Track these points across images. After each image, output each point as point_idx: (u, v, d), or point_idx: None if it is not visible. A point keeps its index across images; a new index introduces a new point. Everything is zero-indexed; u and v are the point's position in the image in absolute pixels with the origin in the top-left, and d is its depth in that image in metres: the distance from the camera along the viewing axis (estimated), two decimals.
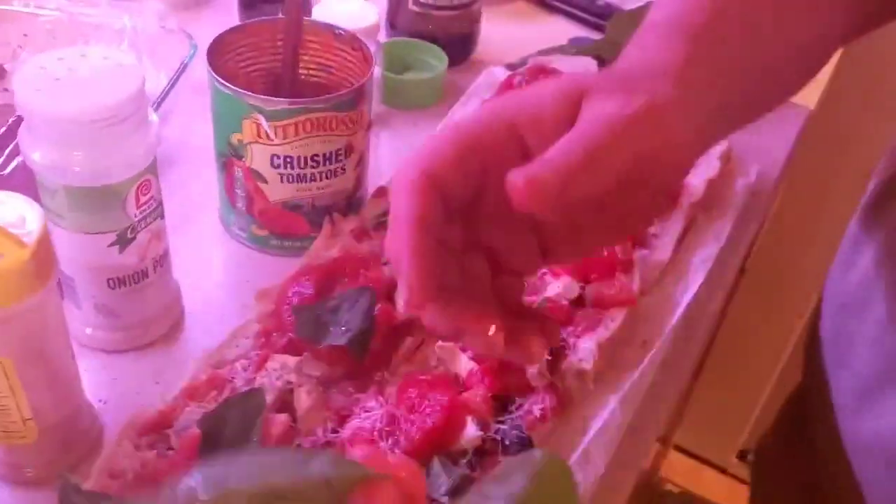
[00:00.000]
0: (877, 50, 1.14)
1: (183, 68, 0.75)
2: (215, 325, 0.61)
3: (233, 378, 0.52)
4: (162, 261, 0.58)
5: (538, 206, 0.36)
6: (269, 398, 0.49)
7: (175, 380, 0.55)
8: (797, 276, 1.47)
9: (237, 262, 0.68)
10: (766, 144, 0.84)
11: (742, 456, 1.83)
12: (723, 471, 1.85)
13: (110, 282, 0.55)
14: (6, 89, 0.79)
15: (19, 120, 0.68)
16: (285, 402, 0.51)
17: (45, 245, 0.44)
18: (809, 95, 0.95)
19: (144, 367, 0.59)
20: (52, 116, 0.48)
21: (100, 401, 0.56)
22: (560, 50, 0.88)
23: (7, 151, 0.67)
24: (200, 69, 0.76)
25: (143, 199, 0.53)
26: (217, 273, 0.68)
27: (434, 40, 0.87)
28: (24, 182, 0.54)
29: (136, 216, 0.53)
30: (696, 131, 0.41)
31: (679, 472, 1.83)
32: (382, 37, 0.88)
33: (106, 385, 0.57)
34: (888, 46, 1.13)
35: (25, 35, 0.82)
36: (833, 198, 1.31)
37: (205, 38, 0.78)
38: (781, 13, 0.45)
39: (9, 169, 0.65)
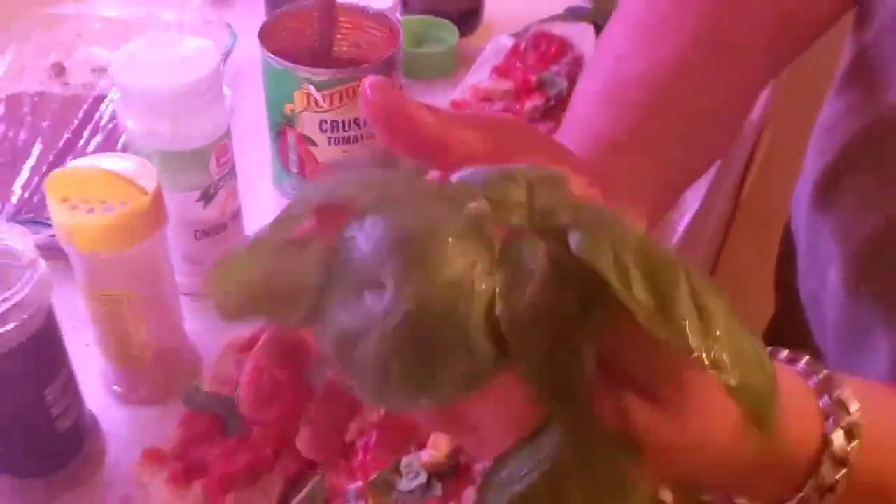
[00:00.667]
0: None
1: (227, 55, 0.85)
2: None
3: None
4: (237, 214, 0.68)
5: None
6: None
7: None
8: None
9: None
10: None
11: None
12: None
13: (196, 233, 0.65)
14: (67, 83, 0.89)
15: (93, 105, 0.79)
16: None
17: (159, 194, 0.54)
18: None
19: None
20: (147, 92, 0.58)
21: (193, 334, 0.66)
22: (559, 18, 0.98)
23: (85, 134, 0.77)
24: (238, 55, 0.87)
25: (222, 160, 0.63)
26: None
27: (445, 15, 0.97)
28: None
29: (216, 175, 0.63)
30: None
31: None
32: (398, 15, 0.98)
33: (197, 322, 0.67)
34: None
35: (79, 35, 0.92)
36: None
37: (239, 27, 0.89)
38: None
39: (91, 147, 0.75)
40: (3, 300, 0.46)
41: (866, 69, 0.58)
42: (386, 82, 0.36)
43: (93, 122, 0.77)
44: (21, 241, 0.48)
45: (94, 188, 0.51)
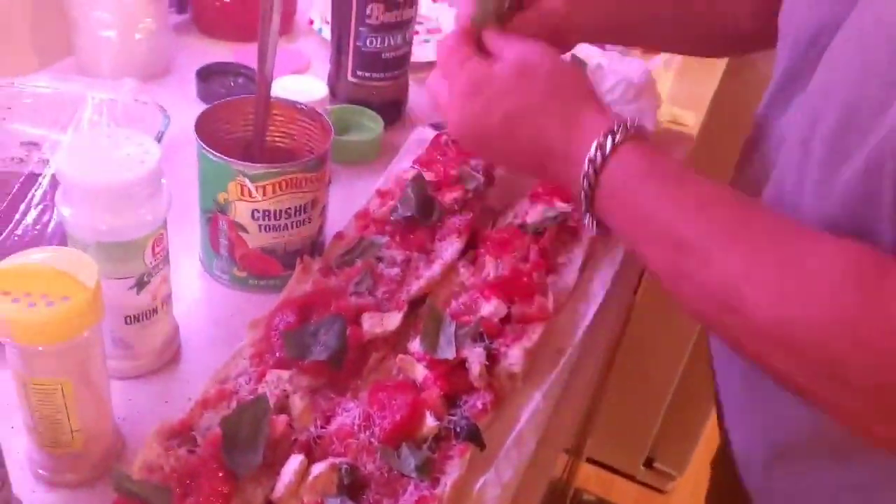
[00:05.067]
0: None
1: (160, 137, 0.87)
2: (208, 352, 0.73)
3: (237, 390, 0.65)
4: (167, 300, 0.70)
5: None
6: (270, 403, 0.62)
7: (179, 399, 0.68)
8: None
9: (220, 299, 0.80)
10: None
11: (648, 464, 2.00)
12: (632, 478, 2.02)
13: (127, 318, 0.67)
14: None
15: (25, 183, 0.80)
16: (282, 407, 0.64)
17: (100, 288, 0.56)
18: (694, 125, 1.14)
19: (154, 389, 0.70)
20: (88, 186, 0.61)
21: (119, 418, 0.67)
22: None
23: (17, 214, 0.78)
24: (170, 133, 0.89)
25: (157, 249, 0.65)
26: (203, 310, 0.80)
27: (370, 105, 1.02)
28: (61, 239, 0.65)
29: (151, 263, 0.66)
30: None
31: (593, 481, 2.00)
32: (325, 104, 1.02)
33: (123, 406, 0.69)
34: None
35: (9, 108, 0.93)
36: None
37: (170, 108, 0.91)
38: None
39: (23, 225, 0.76)
40: None
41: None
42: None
43: (27, 200, 0.78)
44: None
45: (37, 282, 0.53)
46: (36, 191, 0.79)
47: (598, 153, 0.60)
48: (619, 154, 0.60)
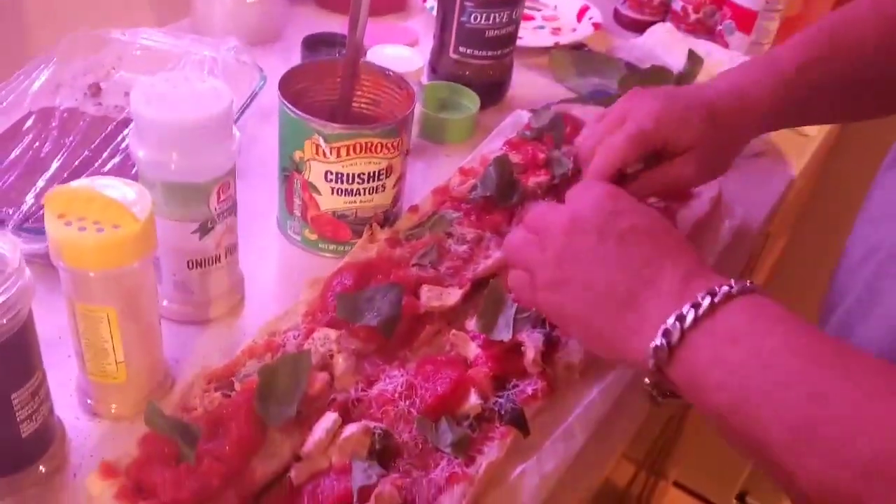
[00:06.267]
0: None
1: (253, 95, 0.88)
2: (269, 308, 0.73)
3: (284, 344, 0.64)
4: (232, 249, 0.70)
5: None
6: (314, 360, 0.61)
7: (233, 349, 0.68)
8: None
9: (290, 259, 0.80)
10: (753, 196, 0.95)
11: (741, 498, 1.90)
12: None
13: (189, 263, 0.68)
14: (100, 103, 0.93)
15: (118, 127, 0.82)
16: (325, 366, 0.63)
17: (151, 222, 0.56)
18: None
19: (209, 337, 0.71)
20: (159, 123, 0.61)
21: (172, 360, 0.68)
22: (580, 100, 1.01)
23: (104, 154, 0.80)
24: (266, 97, 0.90)
25: (222, 196, 0.66)
26: (272, 267, 0.80)
27: (470, 85, 1.00)
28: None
29: (216, 210, 0.66)
30: None
31: None
32: (424, 80, 1.01)
33: (178, 348, 0.69)
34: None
35: (120, 58, 0.96)
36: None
37: (272, 72, 0.92)
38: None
39: (107, 168, 0.78)
40: None
41: None
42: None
43: (113, 144, 0.80)
44: (10, 248, 0.50)
45: (91, 209, 0.54)
46: (125, 136, 0.81)
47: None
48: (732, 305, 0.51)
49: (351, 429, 0.58)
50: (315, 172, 0.74)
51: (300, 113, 0.72)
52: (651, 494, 1.58)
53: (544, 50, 1.15)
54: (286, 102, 0.73)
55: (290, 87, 0.77)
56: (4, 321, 0.50)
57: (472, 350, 0.66)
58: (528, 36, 1.17)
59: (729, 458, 1.84)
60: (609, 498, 1.05)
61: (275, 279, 0.79)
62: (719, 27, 1.22)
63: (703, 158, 0.72)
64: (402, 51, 0.94)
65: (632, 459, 1.09)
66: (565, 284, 0.57)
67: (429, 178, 0.91)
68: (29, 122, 0.83)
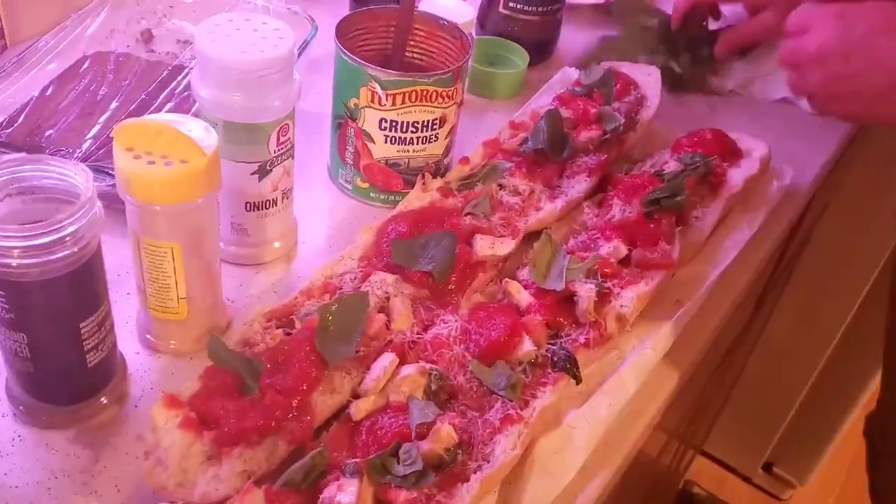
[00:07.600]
0: None
1: (305, 44, 0.88)
2: (322, 255, 0.74)
3: (342, 286, 0.65)
4: (288, 193, 0.71)
5: None
6: (371, 302, 0.62)
7: (287, 292, 0.68)
8: (832, 299, 1.56)
9: (341, 208, 0.81)
10: (803, 154, 0.95)
11: (768, 467, 1.90)
12: (748, 480, 1.93)
13: (247, 205, 0.68)
14: (152, 50, 0.93)
15: (172, 73, 0.83)
16: (382, 308, 0.64)
17: (217, 158, 0.57)
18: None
19: (264, 279, 0.72)
20: (224, 63, 0.62)
21: (228, 301, 0.69)
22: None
23: (160, 98, 0.81)
24: (316, 47, 0.90)
25: (282, 139, 0.66)
26: (324, 215, 0.81)
27: (518, 41, 0.99)
28: None
29: (275, 152, 0.66)
30: None
31: (706, 476, 1.92)
32: (473, 34, 1.01)
33: (234, 290, 0.70)
34: None
35: (172, 7, 0.97)
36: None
37: (321, 23, 0.92)
38: None
39: (164, 110, 0.79)
40: (56, 229, 0.49)
41: None
42: None
43: (169, 89, 0.81)
44: (83, 179, 0.51)
45: (159, 143, 0.55)
46: (182, 80, 0.82)
47: None
48: None
49: (408, 369, 0.59)
50: (369, 120, 0.75)
51: (358, 59, 0.72)
52: (683, 463, 1.58)
53: (593, 7, 1.15)
54: (343, 49, 0.73)
55: (346, 34, 0.77)
56: (76, 249, 0.51)
57: (525, 298, 0.67)
58: None
59: (758, 426, 1.84)
60: (643, 466, 1.06)
61: (326, 227, 0.79)
62: None
63: None
64: (453, 3, 0.93)
65: (665, 429, 1.09)
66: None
67: (477, 133, 0.91)
68: (85, 66, 0.84)
